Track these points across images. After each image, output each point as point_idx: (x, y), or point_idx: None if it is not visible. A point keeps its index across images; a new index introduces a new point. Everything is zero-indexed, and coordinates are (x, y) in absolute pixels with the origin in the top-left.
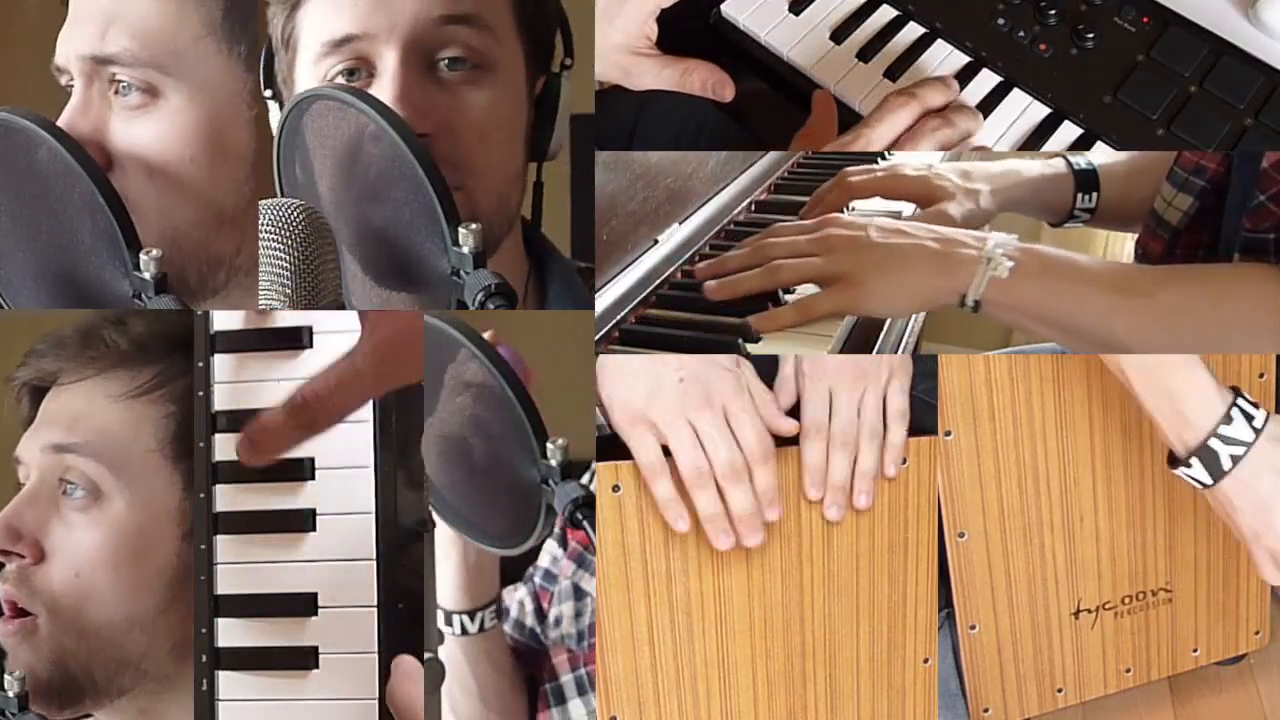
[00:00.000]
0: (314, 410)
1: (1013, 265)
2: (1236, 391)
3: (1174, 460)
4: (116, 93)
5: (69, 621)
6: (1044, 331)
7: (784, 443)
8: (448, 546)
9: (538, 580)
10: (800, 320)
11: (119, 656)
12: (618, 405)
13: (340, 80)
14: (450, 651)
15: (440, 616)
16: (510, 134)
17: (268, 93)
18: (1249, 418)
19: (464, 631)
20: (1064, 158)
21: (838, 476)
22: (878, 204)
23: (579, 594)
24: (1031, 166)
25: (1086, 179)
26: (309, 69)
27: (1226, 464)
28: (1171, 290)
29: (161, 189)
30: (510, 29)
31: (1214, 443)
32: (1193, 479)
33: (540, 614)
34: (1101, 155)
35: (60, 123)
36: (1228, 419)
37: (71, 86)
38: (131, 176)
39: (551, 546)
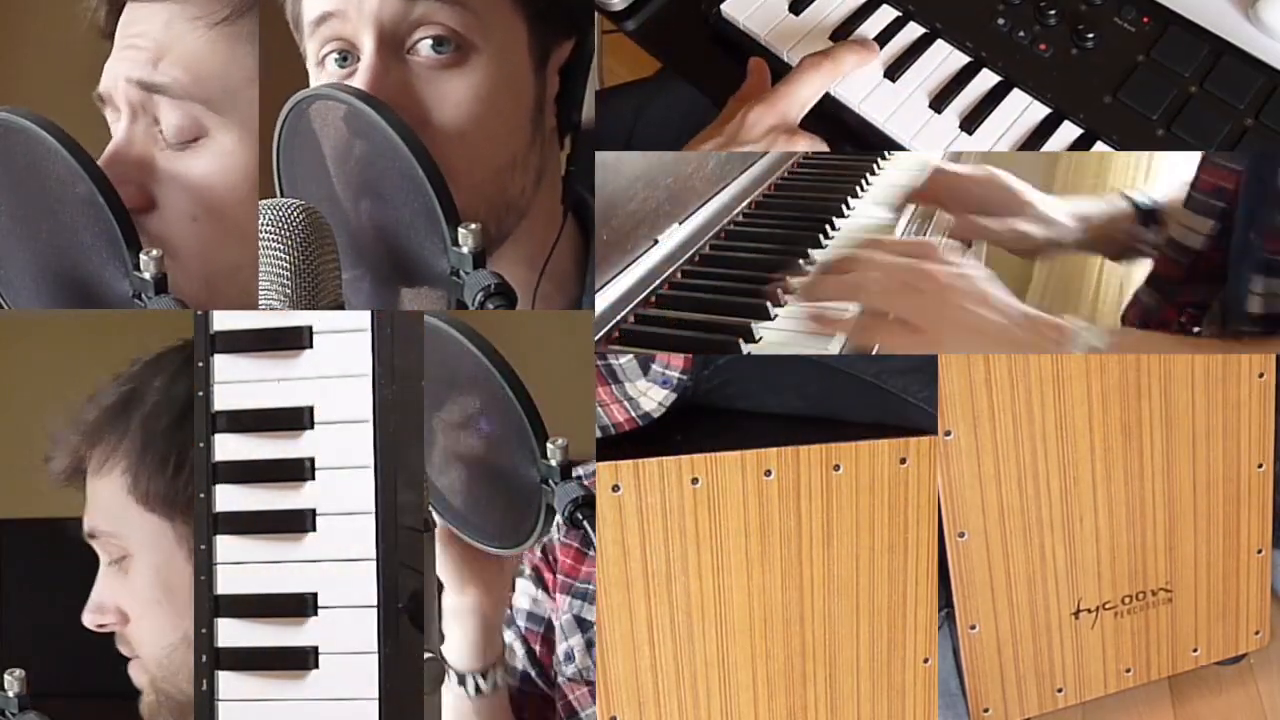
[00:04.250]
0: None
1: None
2: None
3: None
4: (161, 132)
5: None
6: None
7: (786, 439)
8: (462, 612)
9: (522, 623)
10: (846, 331)
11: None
12: None
13: (333, 64)
14: (461, 711)
15: (452, 678)
16: (502, 121)
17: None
18: None
19: (478, 691)
20: (1125, 196)
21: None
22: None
23: (584, 626)
24: (1099, 208)
25: (1148, 215)
26: (308, 49)
27: None
28: None
29: (204, 231)
30: (503, 3)
31: None
32: None
33: (532, 656)
34: (1162, 190)
35: (104, 159)
36: None
37: (114, 120)
38: (173, 219)
39: (527, 587)
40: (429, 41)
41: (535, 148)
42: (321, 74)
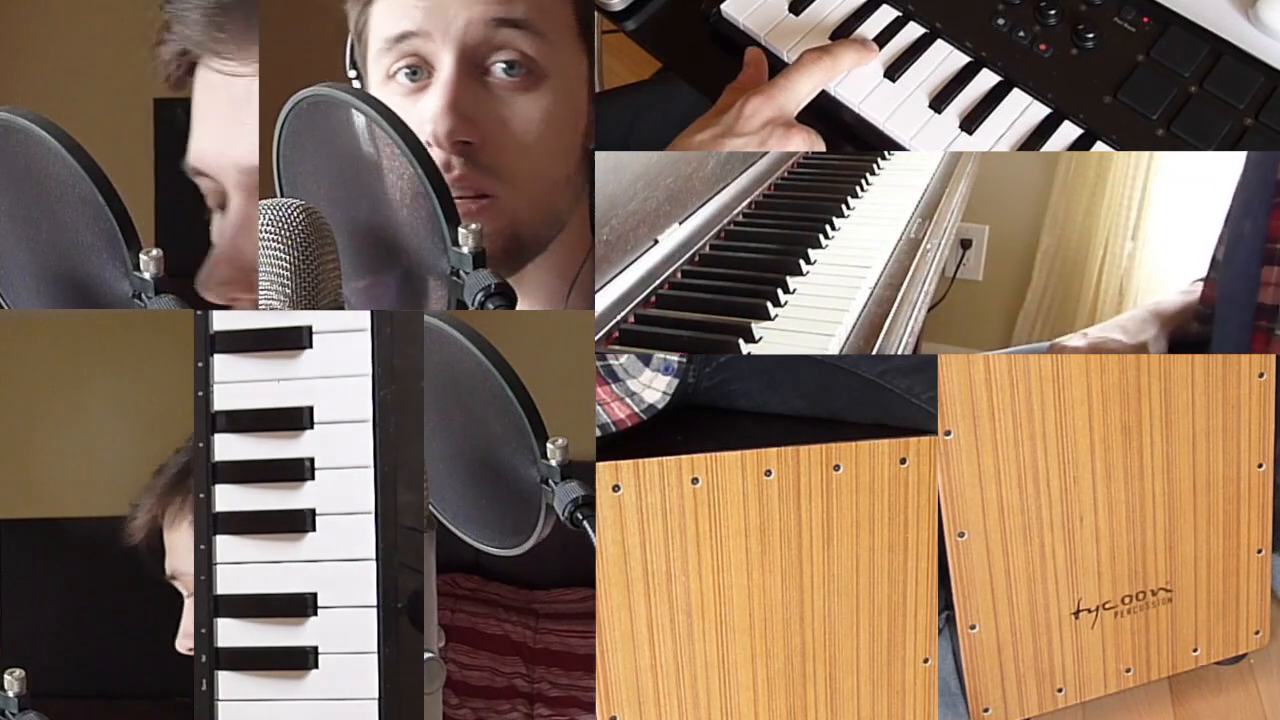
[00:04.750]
0: None
1: None
2: None
3: None
4: None
5: None
6: None
7: (786, 439)
8: None
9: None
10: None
11: None
12: None
13: (404, 78)
14: None
15: None
16: (560, 142)
17: (352, 73)
18: None
19: None
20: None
21: None
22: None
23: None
24: (1171, 302)
25: None
26: (374, 65)
27: None
28: None
29: None
30: (571, 35)
31: None
32: None
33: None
34: None
35: (223, 245)
36: None
37: (212, 189)
38: None
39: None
40: (503, 65)
41: (581, 168)
42: (390, 85)
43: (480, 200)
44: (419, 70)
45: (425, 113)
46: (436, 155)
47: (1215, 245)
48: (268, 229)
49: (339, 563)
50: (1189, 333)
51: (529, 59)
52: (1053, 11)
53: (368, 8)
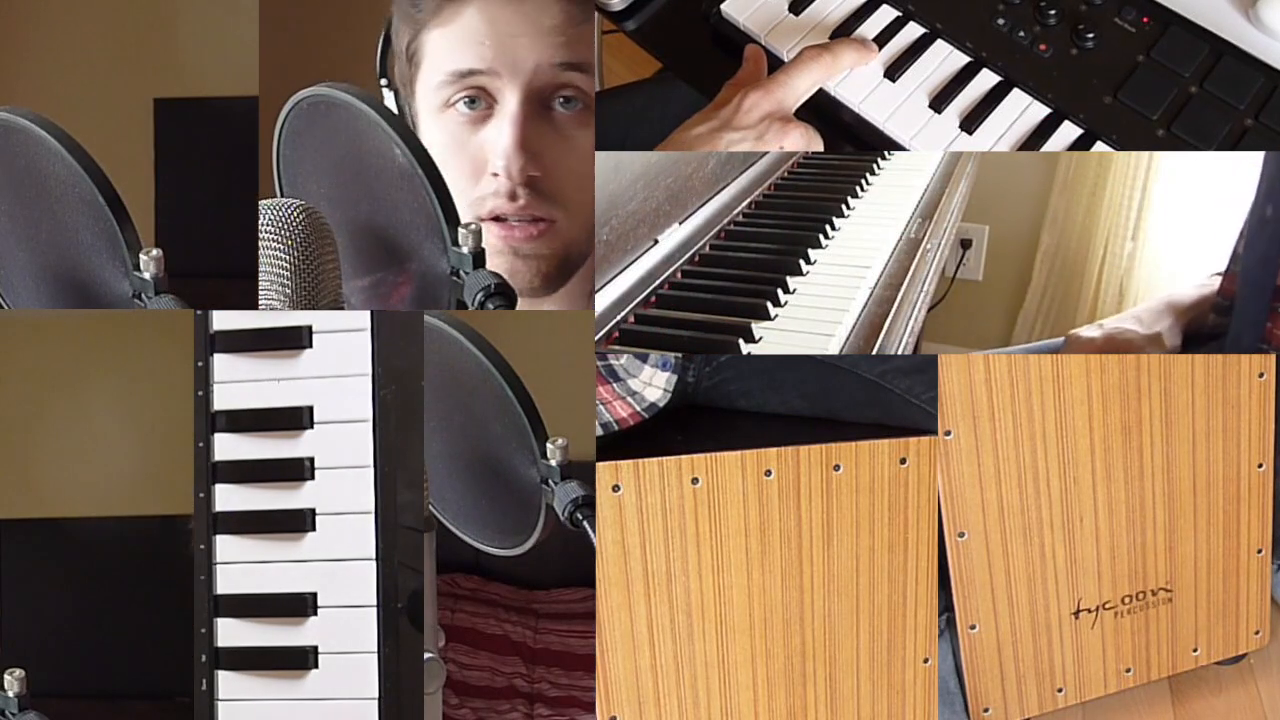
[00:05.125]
0: None
1: None
2: None
3: None
4: None
5: None
6: None
7: (786, 439)
8: None
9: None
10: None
11: None
12: None
13: (463, 106)
14: None
15: None
16: None
17: (383, 81)
18: None
19: None
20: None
21: None
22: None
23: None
24: (1187, 294)
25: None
26: (430, 93)
27: None
28: None
29: None
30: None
31: None
32: None
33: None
34: None
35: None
36: None
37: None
38: None
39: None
40: (562, 99)
41: None
42: (447, 113)
43: (540, 224)
44: (478, 100)
45: (494, 146)
46: (503, 185)
47: (1236, 239)
48: (268, 229)
49: (339, 562)
50: (1205, 324)
51: (586, 95)
52: (1053, 11)
53: (424, 33)
